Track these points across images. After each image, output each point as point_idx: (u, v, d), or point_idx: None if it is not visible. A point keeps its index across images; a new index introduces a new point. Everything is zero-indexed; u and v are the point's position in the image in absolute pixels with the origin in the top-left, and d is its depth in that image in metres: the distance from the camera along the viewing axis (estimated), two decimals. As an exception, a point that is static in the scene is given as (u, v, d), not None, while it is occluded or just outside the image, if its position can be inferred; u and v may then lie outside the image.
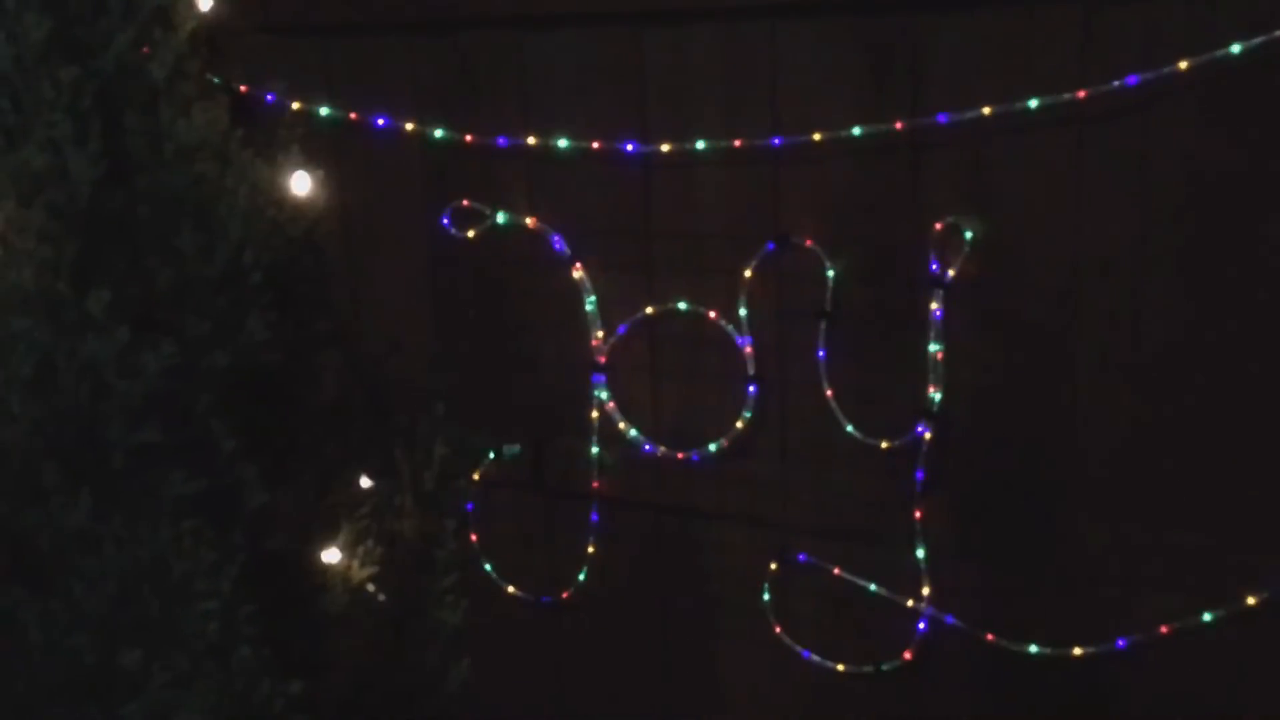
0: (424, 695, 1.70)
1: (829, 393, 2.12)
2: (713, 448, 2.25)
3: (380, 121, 2.33)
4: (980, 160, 1.95)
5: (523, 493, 2.46)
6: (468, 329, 2.45)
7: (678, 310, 2.24)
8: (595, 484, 2.37)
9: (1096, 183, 1.88)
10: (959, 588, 2.10)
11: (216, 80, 1.58)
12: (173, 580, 1.41)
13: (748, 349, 2.19)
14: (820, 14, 2.00)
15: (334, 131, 2.33)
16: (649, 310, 2.27)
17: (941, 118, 1.92)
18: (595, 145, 2.19)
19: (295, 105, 2.36)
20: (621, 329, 2.29)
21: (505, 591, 2.49)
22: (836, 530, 2.19)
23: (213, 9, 1.57)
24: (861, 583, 2.17)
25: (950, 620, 2.10)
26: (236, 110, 1.55)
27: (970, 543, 2.09)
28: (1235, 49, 1.72)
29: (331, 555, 1.63)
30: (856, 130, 1.98)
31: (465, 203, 2.33)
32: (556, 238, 2.28)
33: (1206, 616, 1.91)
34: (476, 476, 2.44)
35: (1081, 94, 1.82)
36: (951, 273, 1.98)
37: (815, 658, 2.25)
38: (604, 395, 2.32)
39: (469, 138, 2.27)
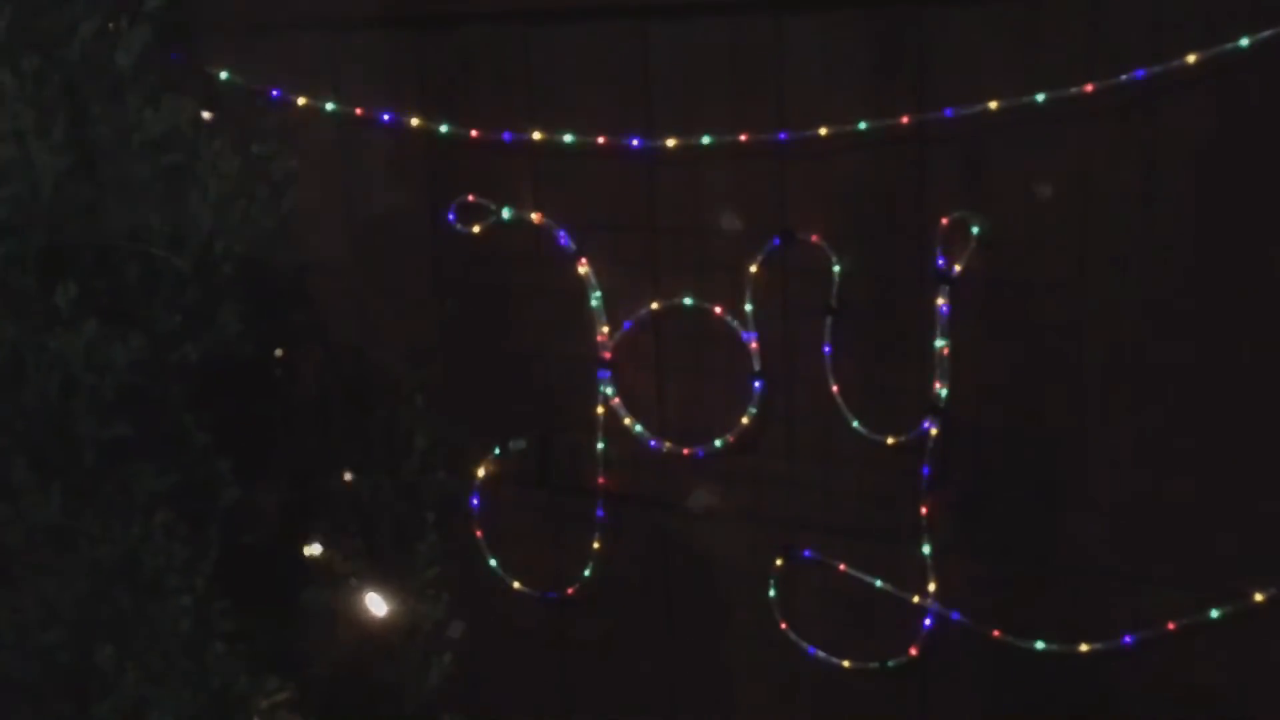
0: (406, 690, 1.69)
1: (835, 388, 2.11)
2: (718, 443, 2.25)
3: (385, 117, 2.33)
4: (987, 155, 1.94)
5: (528, 488, 2.46)
6: (473, 325, 2.44)
7: (683, 306, 2.24)
8: (601, 479, 2.37)
9: (1104, 177, 1.88)
10: (965, 584, 2.10)
11: (192, 70, 1.56)
12: (145, 576, 1.40)
13: (753, 345, 2.18)
14: (826, 8, 2.00)
15: (338, 126, 2.34)
16: (654, 306, 2.26)
17: (948, 112, 1.91)
18: (601, 140, 2.19)
19: (301, 100, 2.37)
20: (627, 325, 2.28)
21: (510, 587, 2.49)
22: (842, 526, 2.19)
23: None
24: (867, 579, 2.16)
25: (956, 616, 2.09)
26: (209, 99, 1.53)
27: (976, 539, 2.08)
28: (1243, 42, 1.71)
29: (313, 549, 1.62)
30: (862, 125, 1.98)
31: (470, 198, 2.33)
32: (562, 233, 2.28)
33: (1214, 613, 1.91)
34: (481, 472, 2.44)
35: (1089, 88, 1.81)
36: (958, 268, 1.98)
37: (821, 654, 2.24)
38: (609, 391, 2.32)
39: (474, 133, 2.27)
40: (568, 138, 2.21)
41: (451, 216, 2.34)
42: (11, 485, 1.39)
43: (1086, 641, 1.99)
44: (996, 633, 2.06)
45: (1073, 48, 1.84)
